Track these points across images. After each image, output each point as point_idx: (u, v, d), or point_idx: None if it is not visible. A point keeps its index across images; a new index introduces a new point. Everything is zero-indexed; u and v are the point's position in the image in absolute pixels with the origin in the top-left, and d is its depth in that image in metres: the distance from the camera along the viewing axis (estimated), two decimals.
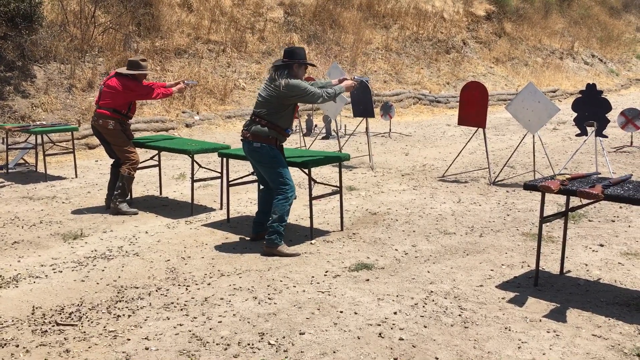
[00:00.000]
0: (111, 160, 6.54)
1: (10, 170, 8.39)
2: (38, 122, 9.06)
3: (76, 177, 8.08)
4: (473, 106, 7.79)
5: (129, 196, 6.48)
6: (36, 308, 3.90)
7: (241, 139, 5.02)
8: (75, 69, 11.28)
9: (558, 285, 4.28)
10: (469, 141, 8.76)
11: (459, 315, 3.77)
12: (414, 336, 3.49)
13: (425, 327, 3.61)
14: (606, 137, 7.39)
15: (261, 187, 5.33)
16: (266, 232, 4.95)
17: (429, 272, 4.54)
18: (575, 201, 5.23)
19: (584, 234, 5.50)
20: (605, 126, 7.19)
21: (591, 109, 7.22)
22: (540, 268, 4.44)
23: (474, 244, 5.24)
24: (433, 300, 3.99)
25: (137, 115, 11.32)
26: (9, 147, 8.53)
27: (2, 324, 3.66)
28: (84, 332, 3.56)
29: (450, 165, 8.38)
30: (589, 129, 7.34)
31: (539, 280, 4.30)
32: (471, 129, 10.51)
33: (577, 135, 7.49)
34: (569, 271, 4.56)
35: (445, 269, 4.60)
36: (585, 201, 4.65)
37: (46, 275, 4.49)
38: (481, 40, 19.88)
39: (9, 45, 10.78)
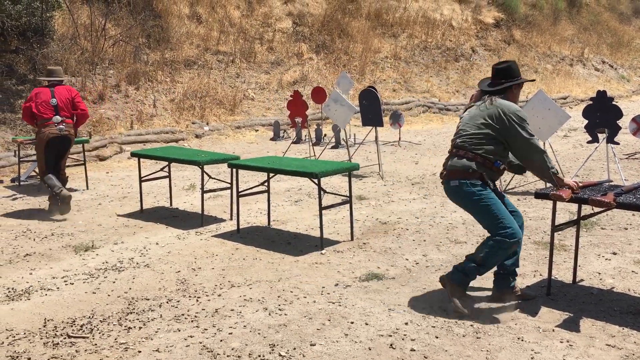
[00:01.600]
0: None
1: (22, 183, 8.45)
2: None
3: (87, 188, 8.13)
4: None
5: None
6: (48, 320, 3.92)
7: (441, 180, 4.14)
8: (86, 81, 11.37)
9: (571, 294, 4.24)
10: None
11: (471, 325, 3.74)
12: (425, 347, 3.46)
13: (437, 337, 3.58)
14: (618, 143, 7.34)
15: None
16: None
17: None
18: (587, 209, 5.18)
19: (596, 242, 5.45)
20: (616, 133, 7.15)
21: (602, 115, 7.18)
22: (552, 277, 4.39)
23: None
24: (445, 311, 3.97)
25: (147, 127, 11.40)
26: (21, 159, 8.60)
27: (15, 337, 3.67)
28: (95, 344, 3.56)
29: None
30: (600, 136, 7.30)
31: (552, 289, 4.26)
32: None
33: (589, 142, 7.45)
34: (581, 280, 4.51)
35: None
36: (597, 209, 4.61)
37: (58, 288, 4.51)
38: (490, 47, 19.85)
39: (21, 59, 10.90)
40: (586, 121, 7.31)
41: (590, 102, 7.33)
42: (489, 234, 3.86)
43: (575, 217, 4.34)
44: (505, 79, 3.99)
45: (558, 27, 22.66)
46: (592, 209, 4.33)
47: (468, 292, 4.02)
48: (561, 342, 3.51)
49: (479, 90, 4.15)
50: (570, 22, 23.68)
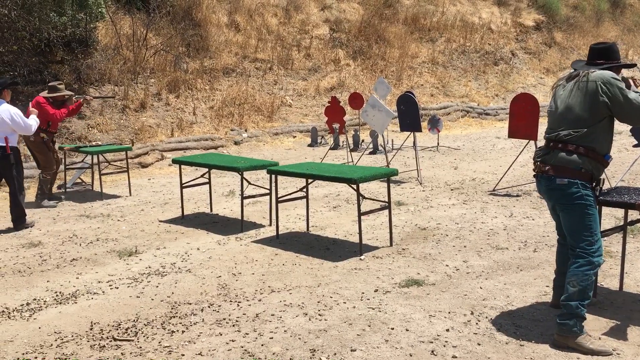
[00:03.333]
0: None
1: (68, 190, 8.69)
2: (94, 143, 9.37)
3: (130, 195, 8.30)
4: (523, 118, 7.64)
5: (48, 192, 7.82)
6: (94, 323, 4.02)
7: (535, 175, 3.73)
8: (128, 90, 11.64)
9: (618, 302, 4.13)
10: (520, 154, 8.59)
11: (514, 332, 3.68)
12: (467, 354, 3.42)
13: (479, 344, 3.54)
14: None
15: (558, 238, 3.97)
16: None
17: (481, 288, 4.46)
18: (633, 214, 5.05)
19: None
20: None
21: None
22: (598, 284, 4.29)
23: (528, 259, 5.12)
24: (486, 317, 3.91)
25: (187, 134, 11.59)
26: (67, 167, 8.85)
27: (62, 339, 3.78)
28: (140, 347, 3.64)
29: (501, 178, 8.23)
30: None
31: (598, 296, 4.16)
32: (522, 141, 10.30)
33: (634, 146, 7.26)
34: (629, 287, 4.39)
35: (498, 285, 4.50)
36: None
37: (103, 292, 4.62)
38: (530, 50, 19.53)
39: (66, 69, 11.22)
40: None
41: None
42: (574, 246, 3.53)
43: (622, 223, 4.23)
44: (603, 60, 3.62)
45: (601, 29, 22.14)
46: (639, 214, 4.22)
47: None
48: None
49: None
50: (614, 23, 23.11)
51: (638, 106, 3.42)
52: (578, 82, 3.54)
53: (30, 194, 8.28)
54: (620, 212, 6.08)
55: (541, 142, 4.01)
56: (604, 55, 3.63)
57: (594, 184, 3.57)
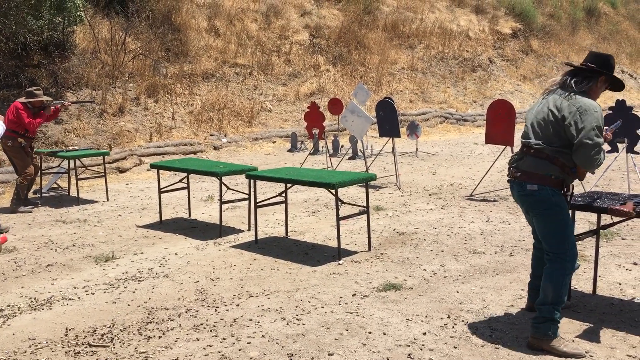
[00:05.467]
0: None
1: (43, 194, 8.58)
2: (70, 147, 9.28)
3: (107, 200, 8.23)
4: (500, 124, 7.75)
5: (24, 197, 7.79)
6: (69, 330, 3.97)
7: (508, 180, 3.76)
8: (106, 94, 11.55)
9: (591, 305, 4.20)
10: (496, 160, 8.70)
11: (490, 335, 3.72)
12: (443, 357, 3.45)
13: (455, 347, 3.57)
14: (638, 153, 7.27)
15: (534, 242, 4.01)
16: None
17: (458, 292, 4.50)
18: (606, 219, 5.13)
19: (617, 252, 5.39)
20: (636, 143, 7.08)
21: (622, 125, 7.12)
22: (572, 287, 4.36)
23: (504, 263, 5.18)
24: (463, 321, 3.95)
25: (166, 139, 11.52)
26: (43, 172, 8.74)
27: (37, 346, 3.73)
28: (116, 353, 3.61)
29: (478, 184, 8.32)
30: (620, 146, 7.23)
31: (572, 299, 4.22)
32: (499, 147, 10.44)
33: (608, 152, 7.38)
34: (601, 290, 4.47)
35: (474, 289, 4.55)
36: (617, 219, 4.57)
37: (79, 297, 4.57)
38: (508, 58, 19.79)
39: (43, 73, 11.10)
40: None
41: (610, 112, 7.27)
42: (549, 250, 3.56)
43: (595, 227, 4.31)
44: (599, 66, 3.55)
45: (576, 37, 22.53)
46: (612, 219, 4.29)
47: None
48: None
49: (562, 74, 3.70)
50: (589, 32, 23.53)
51: (592, 148, 3.35)
52: (559, 96, 3.51)
53: (5, 199, 8.17)
54: (594, 216, 6.18)
55: (517, 148, 4.06)
56: (597, 62, 3.56)
57: (565, 189, 3.58)
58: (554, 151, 3.47)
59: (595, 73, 3.54)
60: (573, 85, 3.50)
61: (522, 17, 20.94)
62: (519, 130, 10.63)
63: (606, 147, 4.93)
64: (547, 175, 3.48)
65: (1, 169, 9.07)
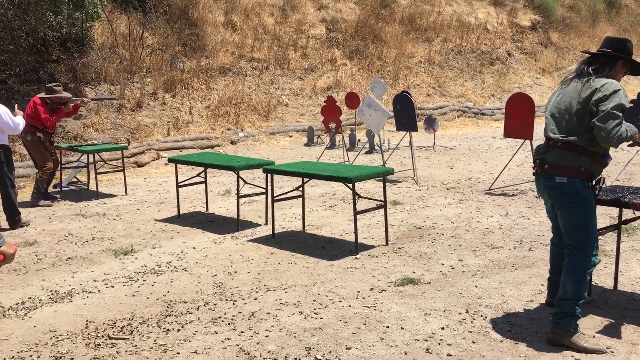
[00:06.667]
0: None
1: (63, 189, 8.68)
2: (89, 142, 9.36)
3: (126, 194, 8.29)
4: (519, 118, 7.67)
5: (44, 191, 7.87)
6: (89, 322, 4.01)
7: (534, 173, 3.69)
8: (124, 89, 11.63)
9: (612, 300, 4.15)
10: (515, 153, 8.62)
11: (509, 330, 3.70)
12: (462, 352, 3.43)
13: (474, 342, 3.55)
14: None
15: (552, 238, 3.95)
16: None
17: (476, 286, 4.47)
18: (628, 213, 5.07)
19: (638, 247, 5.32)
20: None
21: None
22: (593, 283, 4.31)
23: (523, 258, 5.13)
24: (481, 316, 3.93)
25: (183, 133, 11.58)
26: (63, 166, 8.83)
27: (58, 338, 3.78)
28: (135, 345, 3.64)
29: (497, 178, 8.25)
30: None
31: (592, 295, 4.18)
32: (517, 141, 10.34)
33: (629, 145, 7.27)
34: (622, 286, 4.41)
35: (493, 284, 4.52)
36: (638, 213, 4.51)
37: (99, 290, 4.62)
38: (526, 50, 19.58)
39: (62, 69, 11.20)
40: None
41: (631, 105, 7.16)
42: (571, 244, 3.50)
43: (616, 222, 4.25)
44: (615, 51, 3.47)
45: (596, 29, 22.21)
46: (634, 213, 4.23)
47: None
48: None
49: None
50: (609, 24, 23.18)
51: (612, 120, 3.27)
52: (577, 84, 3.48)
53: (26, 193, 8.27)
54: (615, 211, 6.10)
55: (537, 142, 4.02)
56: (615, 47, 3.48)
57: (594, 182, 3.53)
58: (582, 140, 3.40)
59: (612, 58, 3.47)
60: (591, 71, 3.45)
61: (542, 9, 20.68)
62: (538, 124, 10.48)
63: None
64: (576, 167, 3.42)
65: (22, 163, 9.17)
